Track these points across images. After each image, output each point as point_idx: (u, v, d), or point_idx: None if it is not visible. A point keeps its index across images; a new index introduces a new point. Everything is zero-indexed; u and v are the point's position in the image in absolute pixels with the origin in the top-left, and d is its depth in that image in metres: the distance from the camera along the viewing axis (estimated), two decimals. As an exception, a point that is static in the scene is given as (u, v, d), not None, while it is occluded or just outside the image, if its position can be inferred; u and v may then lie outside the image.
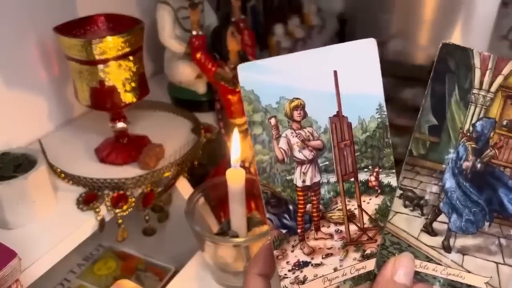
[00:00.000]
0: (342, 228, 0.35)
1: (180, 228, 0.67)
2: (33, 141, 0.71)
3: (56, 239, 0.55)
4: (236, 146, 0.55)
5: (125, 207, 0.61)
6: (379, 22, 1.10)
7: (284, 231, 0.34)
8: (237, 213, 0.57)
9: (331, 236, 0.35)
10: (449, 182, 0.34)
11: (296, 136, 0.33)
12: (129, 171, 0.65)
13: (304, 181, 0.33)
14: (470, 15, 1.12)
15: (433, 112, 0.33)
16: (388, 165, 0.35)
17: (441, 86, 0.33)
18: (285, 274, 0.34)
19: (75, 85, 0.64)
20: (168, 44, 0.79)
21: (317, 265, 0.34)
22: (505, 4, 1.08)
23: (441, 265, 0.35)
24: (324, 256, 0.35)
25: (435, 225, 0.35)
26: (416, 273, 0.35)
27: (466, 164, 0.33)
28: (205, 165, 0.75)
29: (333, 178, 0.34)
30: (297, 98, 0.32)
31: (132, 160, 0.67)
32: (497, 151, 0.33)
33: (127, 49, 0.60)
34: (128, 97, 0.63)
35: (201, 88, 0.83)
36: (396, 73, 0.92)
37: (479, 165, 0.33)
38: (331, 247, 0.35)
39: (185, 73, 0.80)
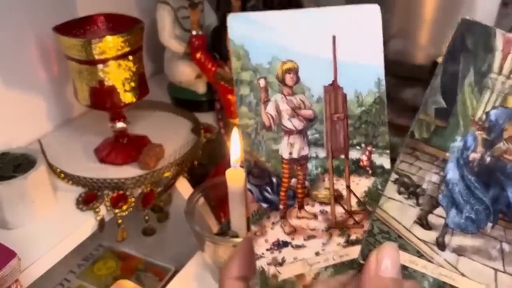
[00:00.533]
0: (328, 208, 0.32)
1: (180, 228, 0.67)
2: (33, 141, 0.71)
3: (56, 239, 0.55)
4: (236, 146, 0.54)
5: (124, 207, 0.61)
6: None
7: (265, 205, 0.31)
8: (237, 213, 0.56)
9: (315, 216, 0.32)
10: (452, 173, 0.30)
11: (287, 103, 0.30)
12: (129, 171, 0.65)
13: (291, 153, 0.31)
14: (471, 15, 1.12)
15: (442, 93, 0.30)
16: (382, 145, 0.32)
17: (455, 65, 0.30)
18: (262, 253, 0.31)
19: (74, 85, 0.64)
20: (168, 44, 0.79)
21: (298, 246, 0.31)
22: (505, 4, 1.08)
23: (432, 263, 0.31)
24: (306, 237, 0.32)
25: (431, 218, 0.31)
26: (404, 268, 0.31)
27: (474, 156, 0.30)
28: (205, 165, 0.75)
29: (322, 153, 0.31)
30: (290, 61, 0.30)
31: (132, 160, 0.67)
32: (511, 146, 0.30)
33: (127, 49, 0.60)
34: (127, 97, 0.63)
35: (201, 88, 0.83)
36: (397, 73, 0.92)
37: (488, 159, 0.30)
38: (314, 229, 0.32)
39: (185, 73, 0.80)
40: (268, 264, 0.31)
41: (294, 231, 0.32)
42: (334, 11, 0.30)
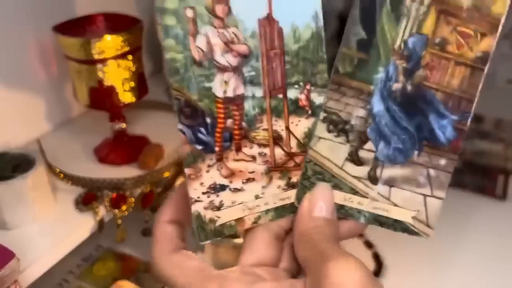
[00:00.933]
0: (267, 150, 0.31)
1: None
2: (32, 141, 0.70)
3: (55, 240, 0.55)
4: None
5: (124, 208, 0.61)
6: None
7: (199, 147, 0.29)
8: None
9: (253, 158, 0.30)
10: (377, 106, 0.30)
11: (218, 36, 0.28)
12: (129, 171, 0.65)
13: (225, 92, 0.29)
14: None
15: (362, 24, 0.29)
16: (321, 83, 0.31)
17: None
18: (198, 197, 0.29)
19: (74, 85, 0.64)
20: (167, 44, 0.78)
21: (236, 190, 0.30)
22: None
23: (367, 198, 0.31)
24: (244, 180, 0.30)
25: (362, 153, 0.31)
26: (340, 207, 0.31)
27: (396, 86, 0.30)
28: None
29: (259, 92, 0.30)
30: None
31: (132, 160, 0.66)
32: (429, 72, 0.30)
33: (126, 49, 0.60)
34: (127, 97, 0.63)
35: (200, 87, 0.82)
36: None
37: (409, 88, 0.30)
38: (253, 172, 0.30)
39: (185, 73, 0.79)
40: (205, 208, 0.30)
41: (232, 174, 0.30)
42: None
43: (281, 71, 0.30)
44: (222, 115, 0.29)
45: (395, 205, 0.32)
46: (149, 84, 0.67)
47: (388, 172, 0.31)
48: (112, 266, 0.75)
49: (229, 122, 0.30)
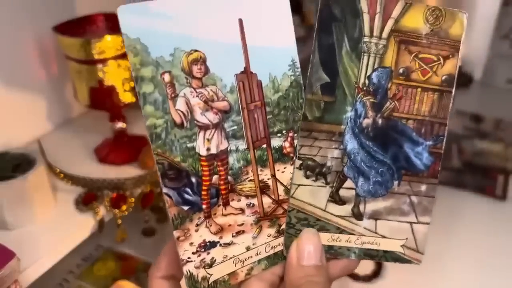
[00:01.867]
0: (255, 201, 0.31)
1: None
2: (32, 141, 0.70)
3: (55, 240, 0.55)
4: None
5: (124, 208, 0.61)
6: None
7: (186, 207, 0.29)
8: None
9: (242, 211, 0.30)
10: (351, 144, 0.31)
11: (197, 96, 0.28)
12: (129, 171, 0.65)
13: (208, 149, 0.29)
14: (471, 14, 1.12)
15: (323, 68, 0.30)
16: None
17: (328, 37, 0.30)
18: (188, 258, 0.29)
19: (74, 85, 0.64)
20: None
21: (227, 244, 0.30)
22: (506, 4, 1.08)
23: (354, 234, 0.32)
24: (234, 234, 0.30)
25: (342, 192, 0.31)
26: (329, 247, 0.31)
27: (367, 122, 0.31)
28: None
29: (242, 145, 0.30)
30: (196, 50, 0.27)
31: (132, 160, 0.67)
32: (397, 103, 0.30)
33: (127, 49, 0.60)
34: (127, 97, 0.63)
35: (200, 87, 0.82)
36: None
37: (380, 121, 0.31)
38: (242, 224, 0.30)
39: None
40: (196, 267, 0.30)
41: (221, 229, 0.30)
42: None
43: (263, 122, 0.30)
44: (207, 172, 0.29)
45: (383, 236, 0.32)
46: (149, 84, 0.67)
47: (371, 206, 0.32)
48: (112, 266, 0.75)
49: (215, 178, 0.30)
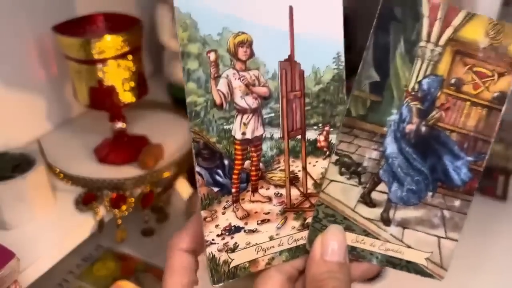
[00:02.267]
0: (283, 191, 0.30)
1: (180, 229, 0.67)
2: (32, 141, 0.70)
3: (55, 240, 0.55)
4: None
5: (124, 208, 0.61)
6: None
7: (215, 189, 0.29)
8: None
9: (269, 199, 0.30)
10: (391, 147, 0.30)
11: (239, 79, 0.28)
12: (128, 171, 0.65)
13: (244, 133, 0.29)
14: (471, 14, 1.12)
15: (375, 67, 0.29)
16: (340, 124, 0.31)
17: (385, 36, 0.29)
18: (213, 240, 0.29)
19: (74, 85, 0.64)
20: (167, 44, 0.78)
21: (251, 231, 0.30)
22: (507, 4, 1.08)
23: (379, 239, 0.31)
24: (259, 221, 0.30)
25: (374, 195, 0.31)
26: (352, 248, 0.31)
27: (410, 127, 0.30)
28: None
29: (277, 134, 0.29)
30: (243, 33, 0.27)
31: (131, 160, 0.66)
32: (443, 113, 0.30)
33: (126, 49, 0.60)
34: (127, 97, 0.63)
35: (200, 87, 0.82)
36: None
37: (423, 129, 0.30)
38: (268, 212, 0.30)
39: (185, 73, 0.79)
40: (219, 250, 0.30)
41: (247, 215, 0.30)
42: None
43: (300, 113, 0.30)
44: (240, 157, 0.29)
45: (408, 246, 0.31)
46: (149, 84, 0.67)
47: (401, 213, 0.31)
48: (112, 266, 0.75)
49: (247, 163, 0.30)
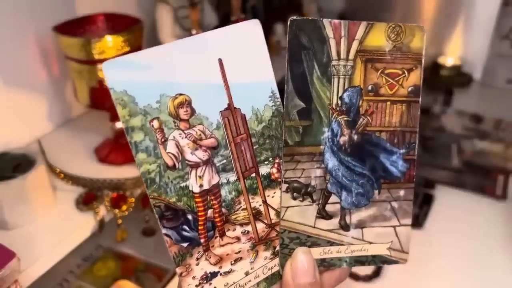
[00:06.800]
0: (249, 228, 0.32)
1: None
2: (32, 141, 0.70)
3: (56, 240, 0.55)
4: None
5: (124, 208, 0.61)
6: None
7: (185, 244, 0.30)
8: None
9: (238, 239, 0.32)
10: (331, 162, 0.33)
11: (186, 137, 0.29)
12: (129, 171, 0.65)
13: (201, 186, 0.30)
14: (471, 14, 1.12)
15: (298, 95, 0.31)
16: None
17: (299, 66, 0.31)
18: None
19: (74, 85, 0.64)
20: (167, 44, 0.78)
21: (227, 273, 0.31)
22: (506, 4, 1.08)
23: (343, 245, 0.34)
24: (233, 262, 0.32)
25: (328, 207, 0.33)
26: (322, 260, 0.33)
27: (343, 139, 0.32)
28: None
29: (233, 177, 0.31)
30: (181, 94, 0.29)
31: (132, 160, 0.66)
32: (369, 118, 0.33)
33: (127, 49, 0.60)
34: (127, 97, 0.63)
35: (201, 87, 0.83)
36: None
37: (355, 137, 0.33)
38: (239, 251, 0.32)
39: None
40: None
41: (220, 259, 0.31)
42: (214, 35, 0.29)
43: (250, 153, 0.31)
44: (202, 208, 0.30)
45: (370, 242, 0.34)
46: (149, 84, 0.67)
47: (356, 216, 0.34)
48: (112, 266, 0.75)
49: (210, 212, 0.31)
